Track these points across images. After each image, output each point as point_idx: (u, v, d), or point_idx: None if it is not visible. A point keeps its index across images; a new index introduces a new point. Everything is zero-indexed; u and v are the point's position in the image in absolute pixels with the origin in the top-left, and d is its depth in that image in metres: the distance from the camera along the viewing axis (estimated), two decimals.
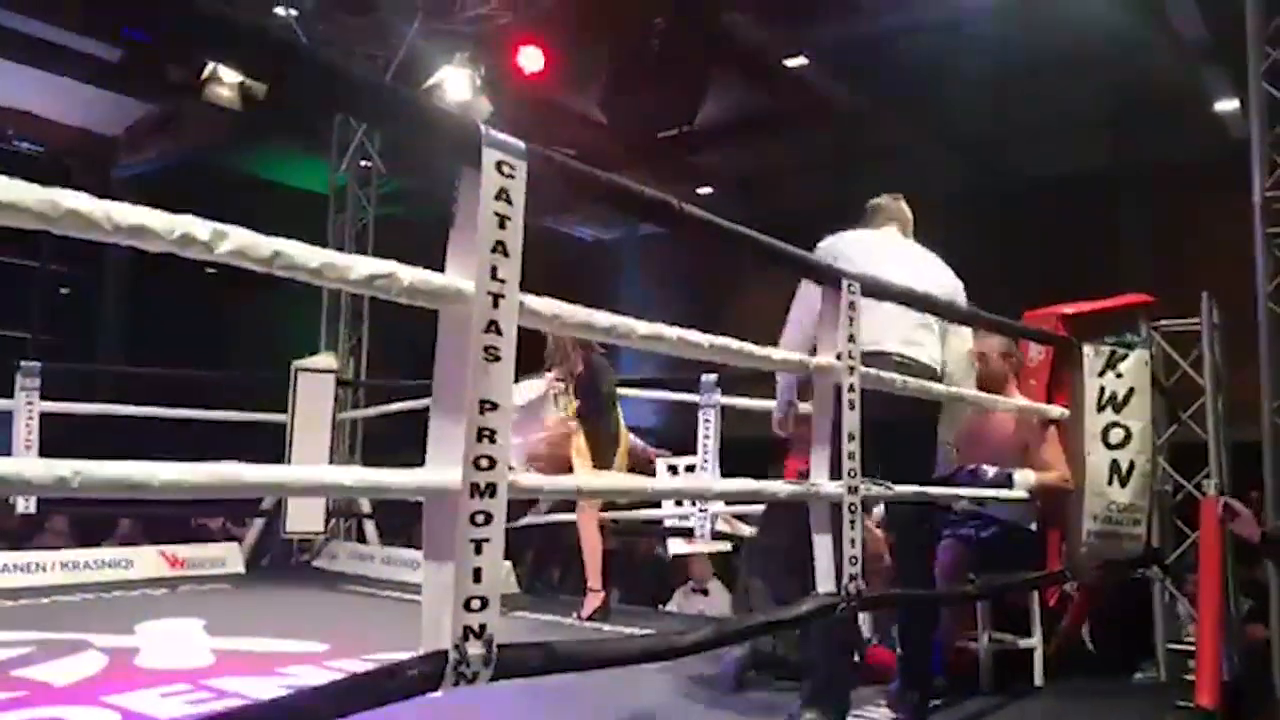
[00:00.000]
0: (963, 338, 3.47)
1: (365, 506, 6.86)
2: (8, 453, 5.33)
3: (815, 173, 10.99)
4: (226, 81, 6.13)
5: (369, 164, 7.91)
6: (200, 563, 6.08)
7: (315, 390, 6.31)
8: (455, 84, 6.89)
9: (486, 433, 1.53)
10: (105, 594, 5.30)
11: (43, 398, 5.52)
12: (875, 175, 10.87)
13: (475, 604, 1.48)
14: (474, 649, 1.46)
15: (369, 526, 6.98)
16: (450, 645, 1.44)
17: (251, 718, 1.31)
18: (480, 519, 1.50)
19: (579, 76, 7.84)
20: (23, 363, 5.55)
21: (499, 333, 1.56)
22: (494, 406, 1.54)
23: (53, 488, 1.15)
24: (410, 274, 1.51)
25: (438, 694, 1.46)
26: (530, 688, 3.28)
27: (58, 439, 5.44)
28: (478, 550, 1.50)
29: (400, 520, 7.49)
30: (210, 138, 9.63)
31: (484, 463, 1.52)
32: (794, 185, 10.99)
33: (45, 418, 5.52)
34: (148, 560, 5.87)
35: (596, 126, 8.61)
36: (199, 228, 1.27)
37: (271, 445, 6.31)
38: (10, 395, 5.46)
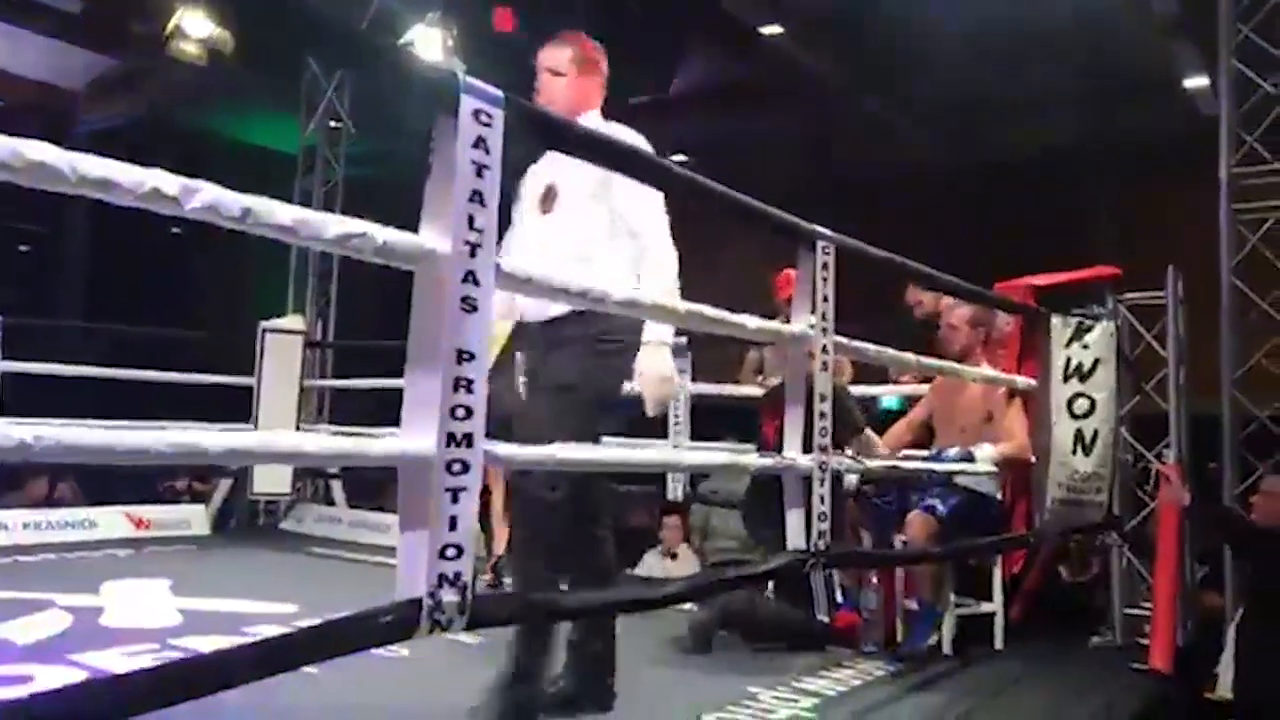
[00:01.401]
0: None
1: (332, 468, 6.82)
2: None
3: (790, 144, 10.97)
4: (193, 36, 5.99)
5: (338, 125, 7.79)
6: (165, 524, 6.03)
7: (283, 351, 6.26)
8: (426, 43, 6.78)
9: (463, 383, 1.52)
10: (68, 554, 5.24)
11: (4, 356, 5.42)
12: (850, 148, 10.92)
13: (450, 551, 1.48)
14: (448, 596, 1.47)
15: (336, 489, 6.95)
16: (425, 593, 1.45)
17: (229, 661, 1.30)
18: (456, 468, 1.50)
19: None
20: None
21: (476, 283, 1.55)
22: (471, 357, 1.54)
23: (12, 452, 1.12)
24: (384, 233, 1.49)
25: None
26: (495, 641, 3.32)
27: (19, 398, 5.36)
28: (454, 499, 1.50)
29: (368, 483, 7.48)
30: (175, 94, 9.43)
31: (460, 412, 1.52)
32: (768, 156, 10.95)
33: (4, 376, 5.42)
34: (112, 521, 5.81)
35: None
36: (168, 182, 1.24)
37: (237, 406, 6.25)
38: None
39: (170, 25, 5.90)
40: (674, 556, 5.92)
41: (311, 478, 6.93)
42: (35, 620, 3.55)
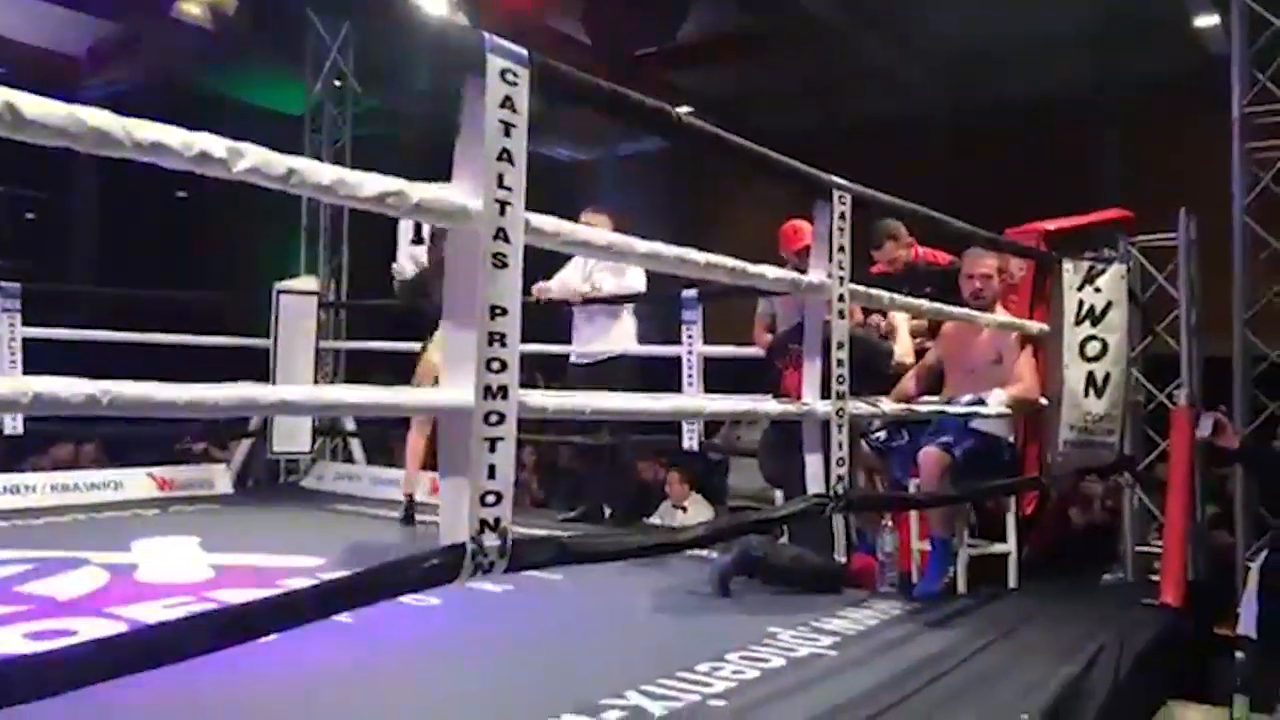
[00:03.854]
0: None
1: (350, 425, 6.91)
2: None
3: (797, 93, 10.88)
4: None
5: (341, 84, 7.77)
6: (188, 484, 6.13)
7: (297, 312, 6.31)
8: (433, 1, 6.74)
9: (497, 336, 1.57)
10: (96, 514, 5.36)
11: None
12: (857, 96, 10.82)
13: (490, 499, 1.54)
14: (490, 540, 1.53)
15: (355, 446, 7.05)
16: (468, 538, 1.51)
17: (291, 603, 1.37)
18: (494, 418, 1.56)
19: None
20: (2, 284, 5.50)
21: (506, 240, 1.60)
22: (503, 312, 1.59)
23: (84, 406, 1.18)
24: (420, 192, 1.54)
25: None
26: (523, 594, 3.43)
27: (32, 363, 5.43)
28: (491, 448, 1.56)
29: (384, 440, 7.57)
30: (178, 58, 9.38)
31: (495, 365, 1.57)
32: (775, 106, 10.88)
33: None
34: (137, 482, 5.91)
35: (573, 43, 8.47)
36: (216, 145, 1.28)
37: (250, 367, 6.32)
38: None
39: None
40: (684, 509, 6.03)
41: (330, 436, 7.02)
42: (72, 576, 3.65)
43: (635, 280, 5.37)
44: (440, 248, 5.43)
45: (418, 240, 6.17)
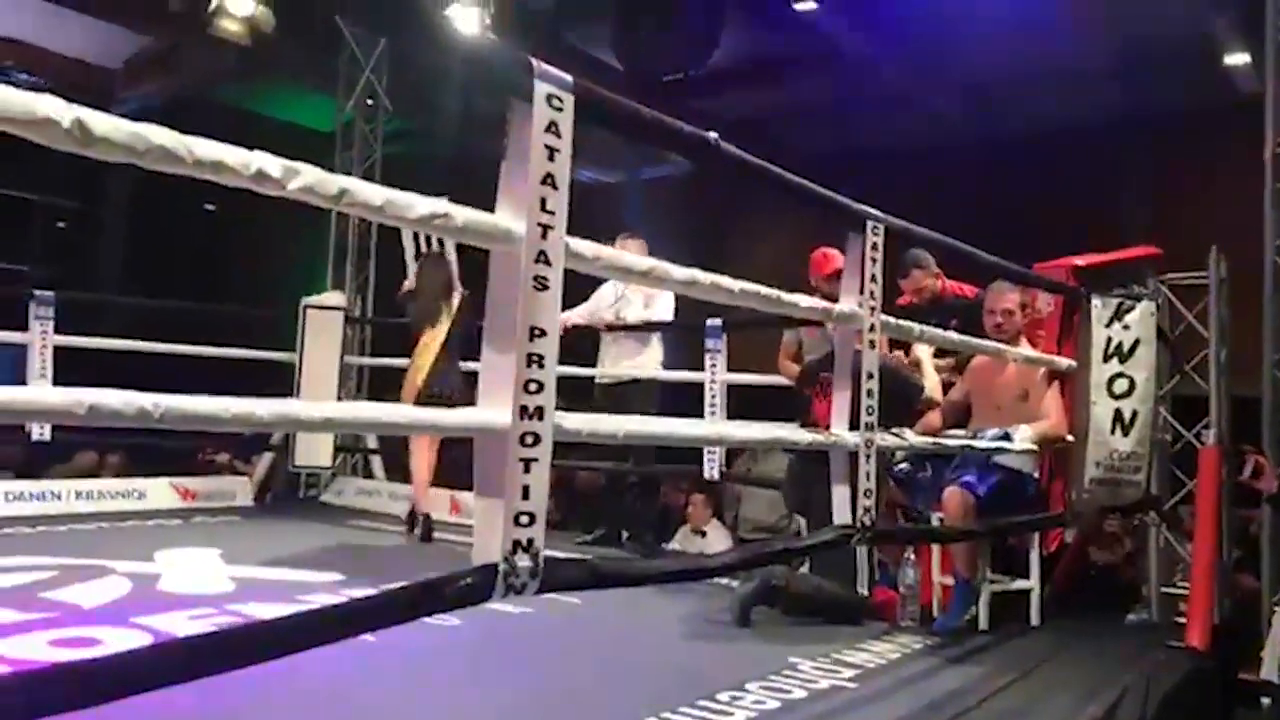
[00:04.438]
0: None
1: (372, 442, 6.94)
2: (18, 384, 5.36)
3: (822, 120, 10.92)
4: (236, 14, 6.07)
5: (373, 102, 7.87)
6: (211, 495, 6.18)
7: (324, 327, 6.36)
8: (464, 19, 6.82)
9: (535, 358, 1.59)
10: (120, 523, 5.39)
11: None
12: (883, 123, 10.85)
13: (524, 519, 1.55)
14: (523, 561, 1.54)
15: (376, 463, 7.07)
16: (500, 558, 1.51)
17: (325, 618, 1.38)
18: (529, 439, 1.56)
19: (588, 16, 7.77)
20: (36, 292, 5.57)
21: (547, 263, 1.61)
22: (542, 333, 1.60)
23: (136, 419, 1.20)
24: (465, 214, 1.56)
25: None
26: (543, 617, 3.42)
27: (58, 372, 5.49)
28: (526, 469, 1.56)
29: (404, 457, 7.59)
30: (212, 73, 9.52)
31: (533, 386, 1.58)
32: (799, 132, 10.91)
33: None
34: (160, 492, 5.95)
35: (601, 67, 8.54)
36: (272, 164, 1.31)
37: (274, 381, 6.37)
38: (12, 328, 5.48)
39: (214, 3, 5.98)
40: (703, 534, 6.00)
41: (351, 452, 7.06)
42: (97, 585, 3.67)
43: (663, 310, 5.40)
44: (424, 271, 5.63)
45: (417, 256, 6.31)
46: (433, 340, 5.16)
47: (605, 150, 11.64)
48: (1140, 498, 4.04)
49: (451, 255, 5.66)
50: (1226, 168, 6.85)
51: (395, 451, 7.24)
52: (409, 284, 5.80)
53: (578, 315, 5.47)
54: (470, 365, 4.92)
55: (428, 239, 6.31)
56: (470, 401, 1.62)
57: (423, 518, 5.26)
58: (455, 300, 5.25)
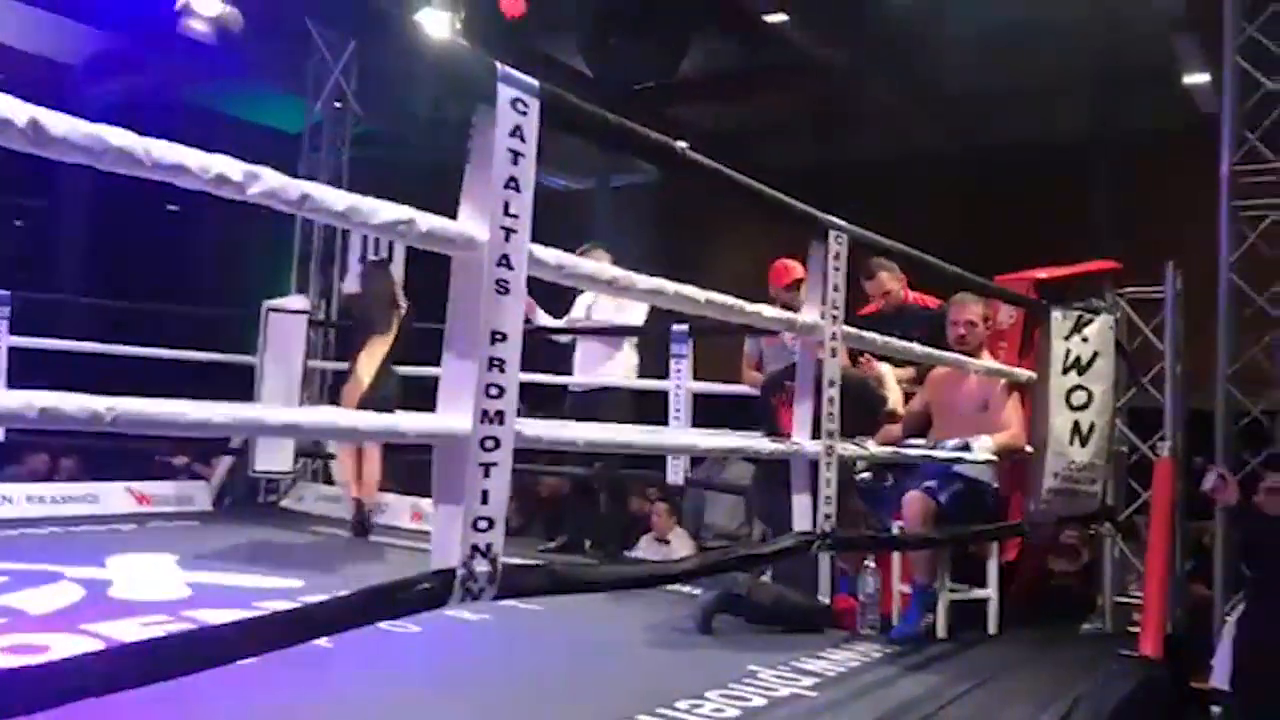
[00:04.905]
0: None
1: (333, 448, 6.86)
2: None
3: (793, 131, 11.00)
4: (203, 14, 5.99)
5: (341, 105, 7.81)
6: (167, 499, 6.07)
7: (286, 331, 6.27)
8: (434, 25, 6.79)
9: (496, 362, 1.58)
10: (73, 528, 5.29)
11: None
12: (854, 136, 10.95)
13: (482, 524, 1.54)
14: (480, 566, 1.53)
15: (335, 467, 7.00)
16: (459, 562, 1.50)
17: (279, 623, 1.36)
18: (490, 444, 1.56)
19: (559, 23, 7.78)
20: None
21: (510, 266, 1.61)
22: (504, 338, 1.59)
23: (88, 423, 1.18)
24: (429, 220, 1.56)
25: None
26: (504, 625, 3.40)
27: (14, 373, 5.38)
28: (486, 474, 1.55)
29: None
30: (180, 72, 9.40)
31: (494, 391, 1.57)
32: (771, 143, 10.99)
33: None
34: (115, 496, 5.85)
35: (573, 75, 8.55)
36: (233, 168, 1.29)
37: (233, 384, 6.29)
38: None
39: (180, 2, 5.90)
40: (666, 542, 6.01)
41: (312, 457, 6.98)
42: (47, 591, 3.60)
43: (635, 314, 5.42)
44: (373, 276, 5.67)
45: (362, 259, 6.36)
46: (379, 348, 5.24)
47: (576, 157, 11.64)
48: (1097, 508, 4.10)
49: (398, 263, 5.75)
50: (1185, 184, 6.98)
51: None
52: (353, 287, 5.85)
53: (548, 318, 5.50)
54: (423, 371, 4.92)
55: (376, 243, 6.37)
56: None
57: (362, 509, 5.49)
58: (402, 311, 5.34)
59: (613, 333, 5.42)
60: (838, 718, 2.67)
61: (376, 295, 5.42)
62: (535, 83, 1.64)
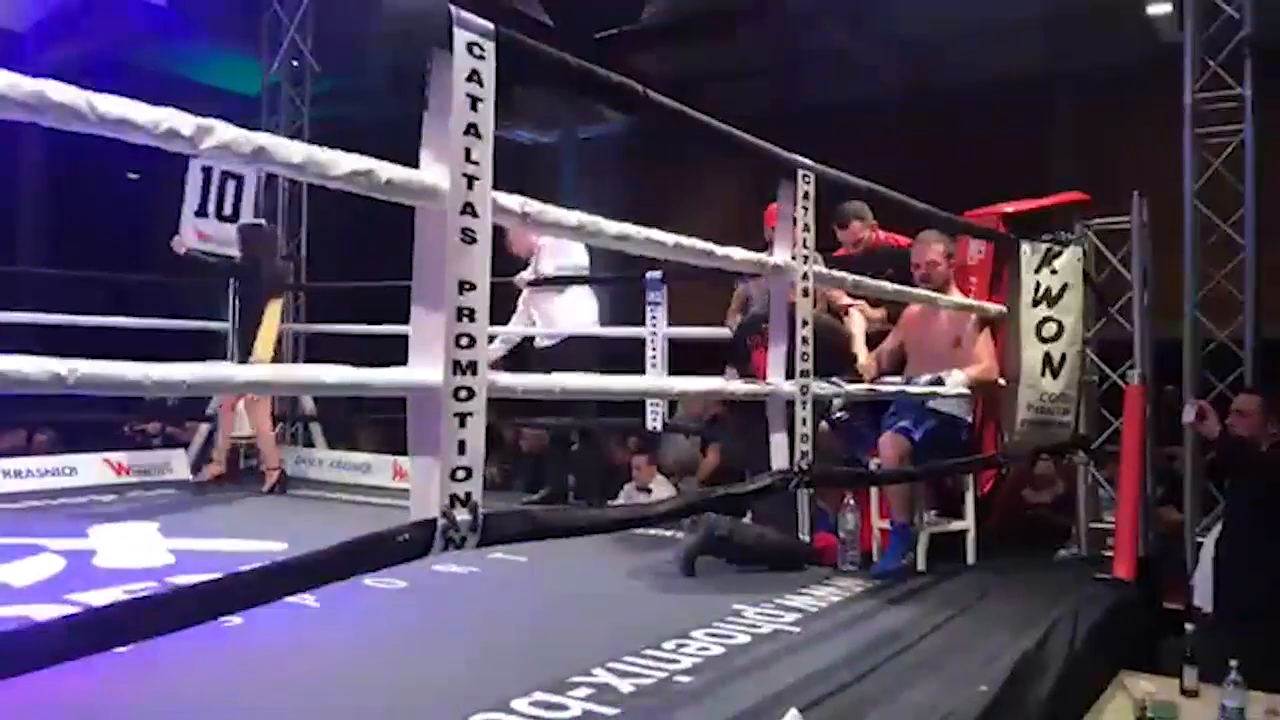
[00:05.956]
0: None
1: (310, 409, 6.84)
2: None
3: (754, 76, 10.91)
4: None
5: (298, 63, 7.65)
6: (146, 469, 6.04)
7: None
8: None
9: (466, 312, 1.57)
10: (52, 500, 5.26)
11: None
12: (814, 79, 10.87)
13: (460, 474, 1.54)
14: (461, 515, 1.53)
15: (316, 430, 6.98)
16: (439, 513, 1.51)
17: (264, 576, 1.36)
18: (463, 394, 1.56)
19: None
20: None
21: (474, 214, 1.59)
22: (472, 287, 1.58)
23: (49, 385, 1.16)
24: (389, 170, 1.53)
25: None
26: (490, 575, 3.43)
27: None
28: (462, 424, 1.56)
29: (347, 427, 7.52)
30: (127, 33, 9.17)
31: (464, 340, 1.57)
32: (732, 88, 10.89)
33: None
34: (92, 467, 5.81)
35: (532, 24, 8.41)
36: (184, 122, 1.26)
37: (208, 353, 6.23)
38: None
39: None
40: (648, 491, 6.05)
41: (290, 421, 6.95)
42: (29, 563, 3.59)
43: (575, 258, 5.44)
44: (264, 234, 5.80)
45: (201, 213, 6.35)
46: (278, 308, 5.50)
47: (542, 110, 11.50)
48: (1070, 438, 4.17)
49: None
50: (1148, 115, 7.01)
51: (337, 419, 7.17)
52: (215, 238, 6.13)
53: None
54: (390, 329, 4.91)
55: (235, 202, 6.41)
56: None
57: (277, 475, 5.77)
58: (291, 269, 5.48)
59: (567, 281, 5.42)
60: (821, 651, 2.72)
61: (275, 254, 5.62)
62: (491, 25, 1.61)
